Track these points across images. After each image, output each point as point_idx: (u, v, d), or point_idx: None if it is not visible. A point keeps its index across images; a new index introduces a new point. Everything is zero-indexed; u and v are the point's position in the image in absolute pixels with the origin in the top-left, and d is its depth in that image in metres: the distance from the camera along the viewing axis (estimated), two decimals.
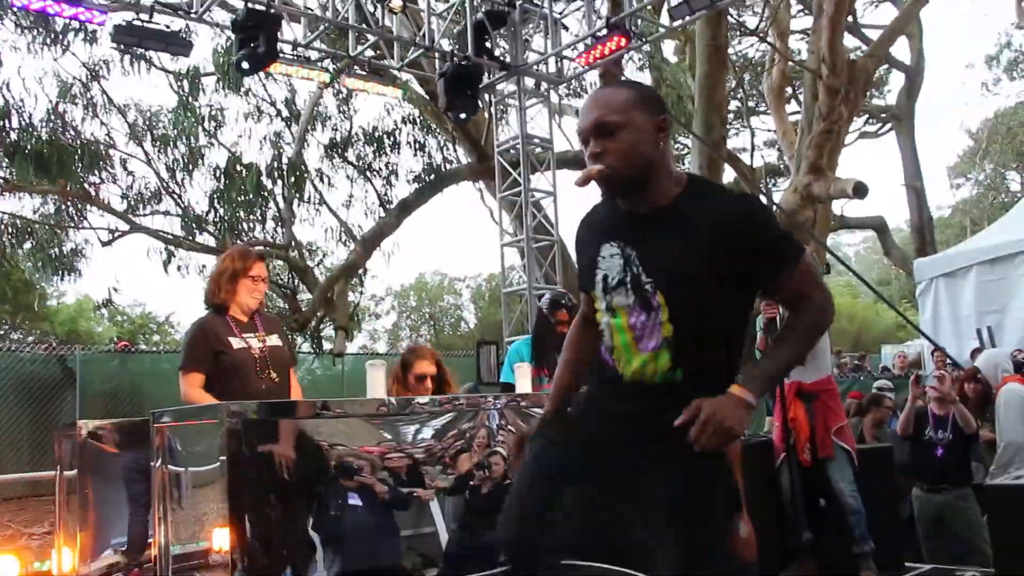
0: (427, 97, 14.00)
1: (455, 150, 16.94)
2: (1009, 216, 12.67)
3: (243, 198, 14.14)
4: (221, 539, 2.71)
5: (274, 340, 4.00)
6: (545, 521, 2.09)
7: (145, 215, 15.37)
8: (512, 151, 11.65)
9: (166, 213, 15.51)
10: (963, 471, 5.42)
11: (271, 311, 14.41)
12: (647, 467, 2.01)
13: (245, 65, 8.24)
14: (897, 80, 22.71)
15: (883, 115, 23.42)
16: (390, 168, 16.78)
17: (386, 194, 16.90)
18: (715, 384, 1.96)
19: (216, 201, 14.42)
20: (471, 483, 3.21)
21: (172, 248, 14.99)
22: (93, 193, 14.63)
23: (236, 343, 3.87)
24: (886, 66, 21.26)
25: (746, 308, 2.12)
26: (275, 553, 2.70)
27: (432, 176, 16.46)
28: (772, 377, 2.14)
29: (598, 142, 2.02)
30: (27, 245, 15.35)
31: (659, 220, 2.05)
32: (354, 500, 2.99)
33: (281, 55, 9.04)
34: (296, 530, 2.78)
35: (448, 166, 16.72)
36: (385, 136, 16.37)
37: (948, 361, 8.19)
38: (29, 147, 13.02)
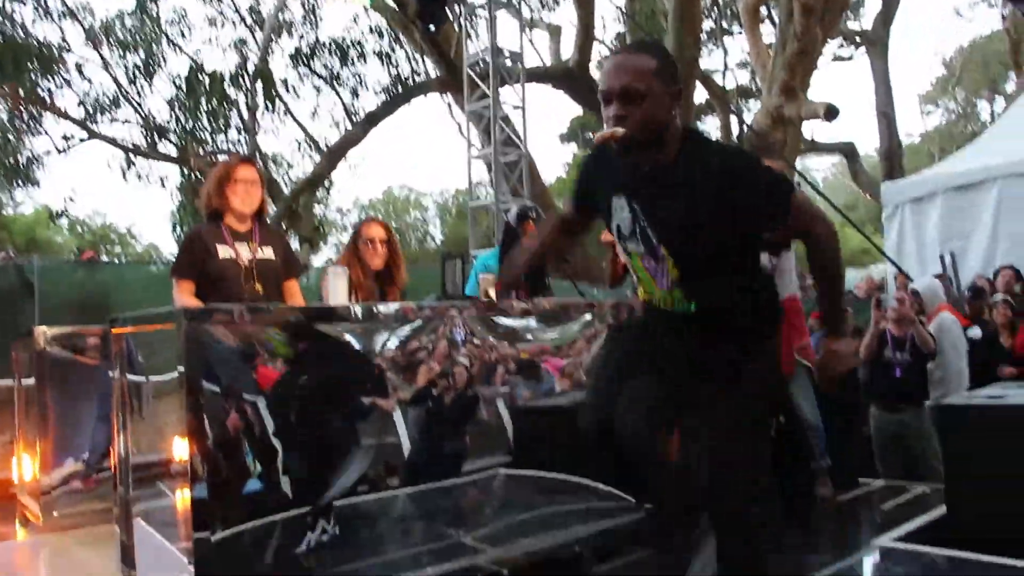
0: (395, 7, 13.65)
1: (423, 62, 16.63)
2: (977, 144, 12.71)
3: (206, 107, 13.82)
4: (181, 449, 2.68)
5: (267, 252, 3.95)
6: (614, 406, 2.35)
7: (103, 123, 15.00)
8: (481, 64, 11.46)
9: (125, 121, 15.13)
10: (920, 391, 5.53)
11: None
12: (688, 367, 2.35)
13: None
14: (873, 4, 22.56)
15: (857, 39, 23.26)
16: (357, 79, 16.46)
17: (353, 105, 16.65)
18: (729, 312, 2.31)
19: (178, 109, 14.08)
20: (433, 393, 3.20)
21: (132, 156, 14.67)
22: (48, 99, 14.20)
23: (223, 251, 3.82)
24: None
25: (751, 244, 2.38)
26: (236, 462, 2.68)
27: (400, 88, 16.16)
28: (839, 308, 2.42)
29: (621, 106, 2.18)
30: None
31: (661, 177, 2.25)
32: (316, 408, 2.97)
33: None
34: (257, 438, 2.76)
35: (416, 78, 16.43)
36: (352, 46, 16.00)
37: (908, 285, 8.28)
38: None
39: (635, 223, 2.30)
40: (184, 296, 3.75)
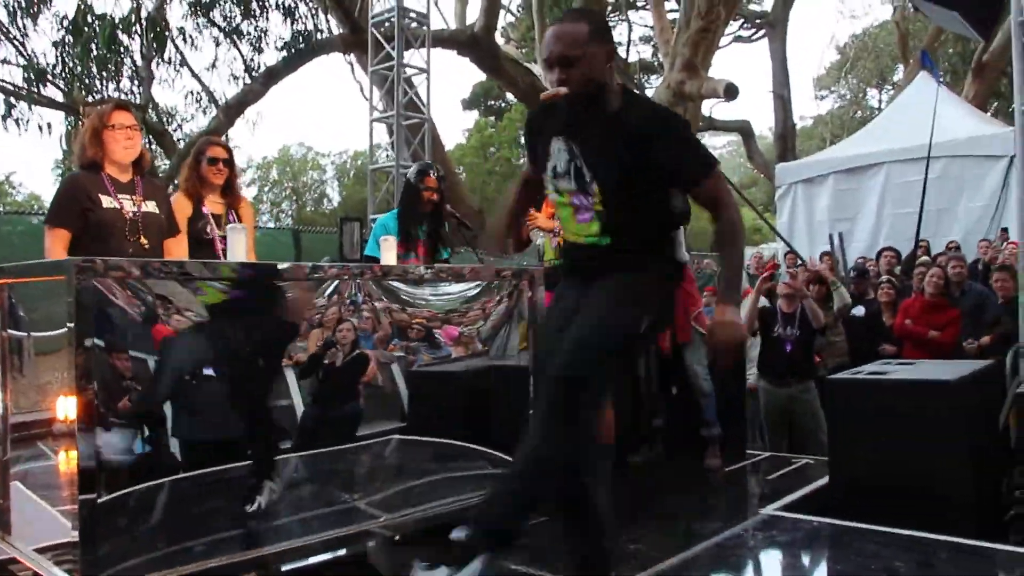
0: None
1: (327, 19, 16.22)
2: (867, 130, 13.20)
3: (96, 52, 13.15)
4: (66, 407, 2.57)
5: (151, 206, 3.74)
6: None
7: None
8: (387, 24, 11.26)
9: (4, 61, 14.28)
10: (808, 365, 5.73)
11: None
12: (585, 294, 2.55)
13: None
14: None
15: (758, 21, 23.77)
16: (258, 32, 15.94)
17: (252, 60, 16.11)
18: (633, 250, 2.54)
19: (64, 53, 13.37)
20: (327, 356, 3.14)
21: (12, 100, 13.88)
22: None
23: (107, 201, 3.59)
24: None
25: (666, 197, 2.58)
26: (123, 422, 2.59)
27: (302, 45, 15.73)
28: (734, 282, 2.66)
29: (561, 71, 2.43)
30: None
31: (601, 124, 2.49)
32: (207, 370, 2.89)
33: None
34: (146, 399, 2.66)
35: (319, 35, 16.00)
36: None
37: (799, 262, 8.56)
38: None
39: (571, 162, 2.54)
40: (58, 247, 3.50)
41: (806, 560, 3.51)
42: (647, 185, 2.50)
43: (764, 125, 33.79)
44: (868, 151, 11.15)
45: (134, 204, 3.66)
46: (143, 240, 3.63)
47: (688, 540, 3.52)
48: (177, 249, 3.86)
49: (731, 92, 13.64)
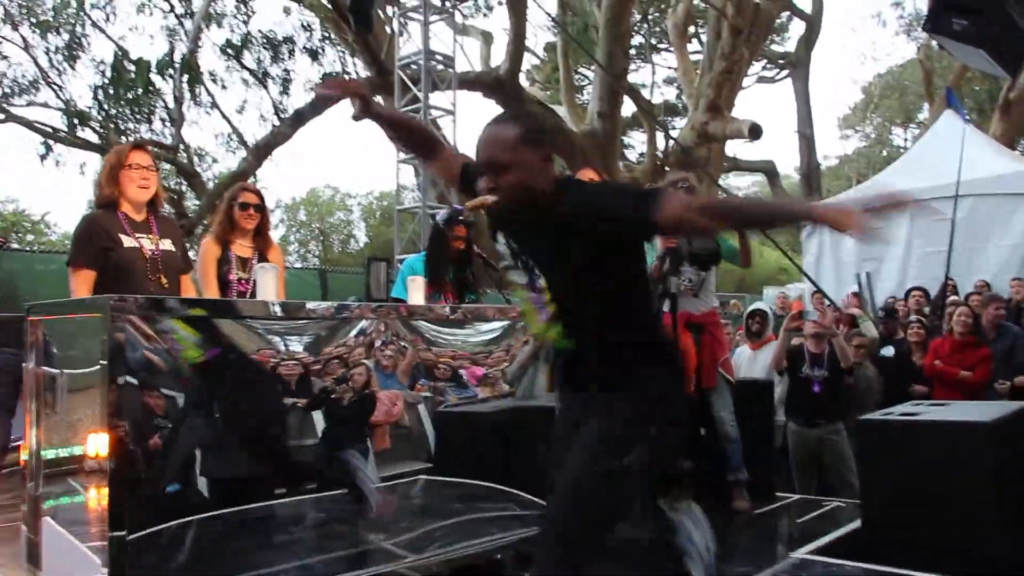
0: (328, 4, 13.51)
1: (354, 62, 16.48)
2: (892, 169, 13.14)
3: (131, 94, 13.43)
4: (98, 445, 2.59)
5: (167, 244, 3.82)
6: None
7: (21, 105, 14.47)
8: (413, 66, 11.41)
9: (45, 104, 14.62)
10: (837, 406, 5.65)
11: None
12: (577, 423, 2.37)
13: None
14: (797, 28, 23.14)
15: (781, 61, 23.86)
16: (287, 75, 16.22)
17: (281, 102, 16.38)
18: (608, 350, 2.33)
19: (101, 95, 13.66)
20: (332, 395, 3.14)
21: (50, 142, 14.17)
22: None
23: (127, 241, 3.66)
24: (787, 13, 21.59)
25: (631, 273, 2.37)
26: (153, 460, 2.60)
27: None
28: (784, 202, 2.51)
29: (491, 178, 2.26)
30: None
31: (537, 222, 2.31)
32: (238, 407, 2.91)
33: None
34: (177, 437, 2.68)
35: (347, 77, 16.24)
36: (283, 42, 15.78)
37: (827, 303, 8.50)
38: None
39: (516, 257, 2.38)
40: (83, 288, 3.56)
41: None
42: (598, 277, 2.28)
43: (789, 165, 33.75)
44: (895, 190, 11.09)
45: (152, 243, 3.73)
46: (163, 279, 3.70)
47: None
48: (188, 284, 3.95)
49: (755, 132, 13.69)
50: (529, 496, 3.69)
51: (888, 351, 6.55)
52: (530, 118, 2.51)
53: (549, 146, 2.36)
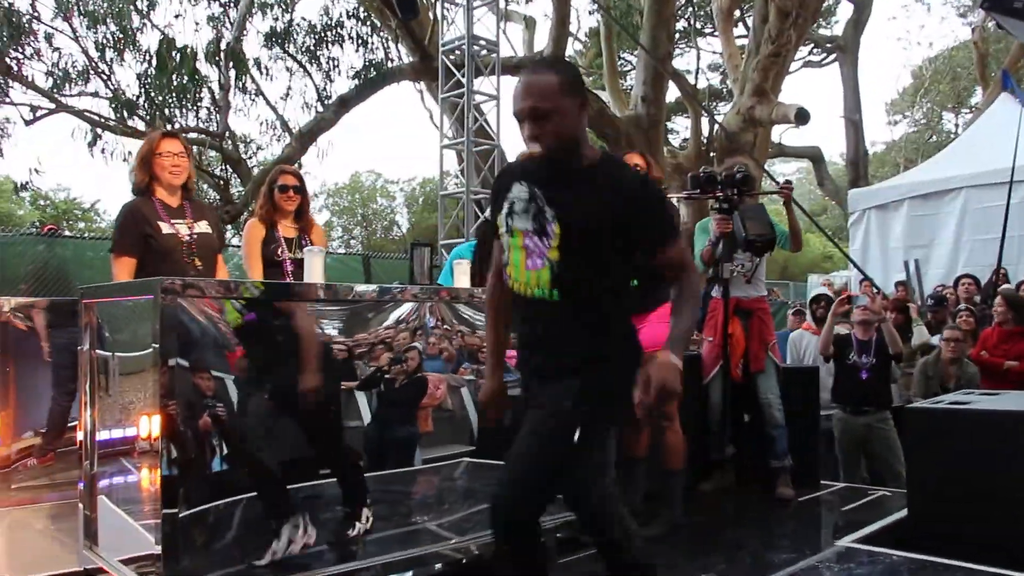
0: None
1: (398, 48, 16.52)
2: (943, 154, 12.90)
3: (177, 83, 13.62)
4: (150, 426, 2.64)
5: (202, 227, 3.94)
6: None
7: (72, 95, 14.73)
8: (457, 52, 11.42)
9: (94, 94, 14.89)
10: (884, 394, 5.60)
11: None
12: (542, 379, 2.41)
13: None
14: (845, 11, 22.75)
15: (829, 45, 23.47)
16: (331, 63, 16.32)
17: (325, 89, 16.50)
18: (584, 310, 2.34)
19: (148, 85, 13.86)
20: (386, 376, 3.17)
21: (99, 131, 14.42)
22: (15, 68, 13.91)
23: (165, 228, 3.80)
24: None
25: (623, 262, 2.39)
26: (204, 441, 2.65)
27: (373, 73, 16.03)
28: (684, 339, 2.38)
29: (533, 125, 2.27)
30: None
31: (572, 176, 2.35)
32: (285, 388, 2.94)
33: None
34: (226, 417, 2.72)
35: (390, 64, 16.30)
36: (327, 29, 15.86)
37: (874, 291, 8.39)
38: None
39: (531, 200, 2.35)
40: (124, 274, 3.69)
41: None
42: (609, 245, 2.33)
43: (835, 151, 33.32)
44: (946, 176, 10.88)
45: (187, 227, 3.86)
46: (197, 262, 3.82)
47: (761, 571, 3.45)
48: (221, 264, 4.08)
49: (802, 117, 13.50)
50: None
51: (937, 340, 6.44)
52: (567, 66, 2.53)
53: (584, 94, 2.38)
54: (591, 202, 2.29)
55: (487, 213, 4.89)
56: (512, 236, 2.39)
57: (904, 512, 4.10)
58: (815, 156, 21.75)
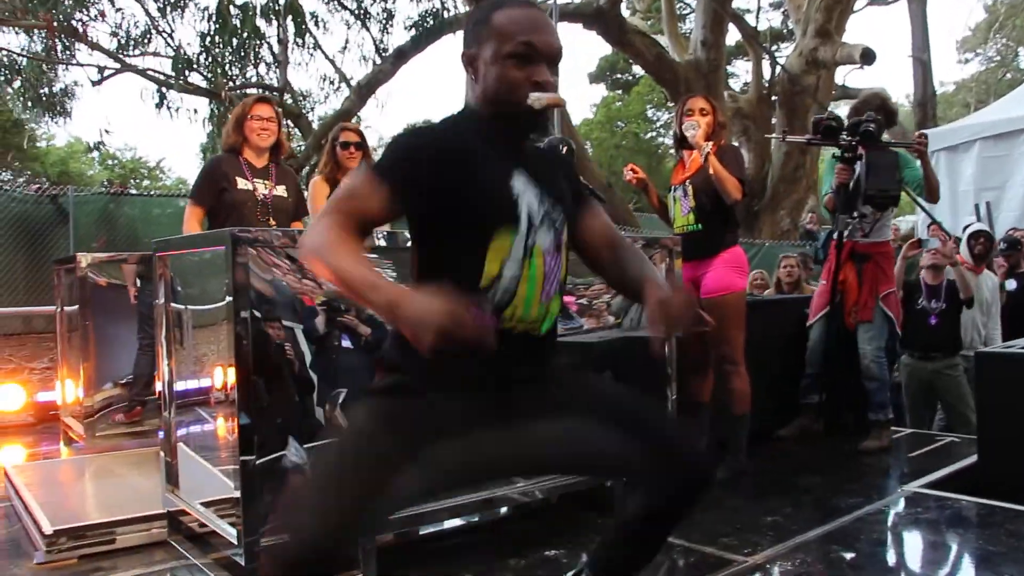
0: None
1: None
2: (1017, 92, 12.44)
3: (236, 40, 13.76)
4: (224, 376, 2.73)
5: (281, 191, 4.16)
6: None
7: (135, 55, 14.99)
8: None
9: (156, 54, 15.13)
10: (954, 339, 5.50)
11: None
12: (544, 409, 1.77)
13: None
14: None
15: None
16: (387, 13, 16.29)
17: (382, 41, 16.49)
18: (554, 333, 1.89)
19: (208, 42, 14.03)
20: None
21: (164, 89, 14.67)
22: (81, 30, 14.17)
23: (242, 183, 4.04)
24: None
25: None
26: (276, 391, 2.73)
27: (430, 23, 15.97)
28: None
29: (552, 72, 1.76)
30: (16, 84, 15.00)
31: (535, 154, 1.89)
32: (344, 341, 3.01)
33: None
34: (296, 368, 2.80)
35: (447, 14, 16.20)
36: None
37: (945, 235, 8.19)
38: None
39: (542, 204, 1.77)
40: (193, 221, 4.02)
41: (952, 539, 3.37)
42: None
43: (901, 93, 32.33)
44: (1020, 114, 10.52)
45: (266, 187, 4.09)
46: (272, 221, 4.04)
47: (827, 515, 3.46)
48: (300, 228, 4.17)
49: (868, 57, 13.11)
50: None
51: (1011, 285, 6.30)
52: None
53: None
54: (565, 187, 1.88)
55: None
56: (531, 258, 1.73)
57: (974, 458, 4.06)
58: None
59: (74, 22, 13.96)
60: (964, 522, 3.43)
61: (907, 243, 5.90)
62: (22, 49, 14.80)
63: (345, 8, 16.22)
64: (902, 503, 3.66)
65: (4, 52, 14.50)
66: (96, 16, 14.34)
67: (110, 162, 28.53)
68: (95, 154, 21.72)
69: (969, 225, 7.59)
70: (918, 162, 4.64)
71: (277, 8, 14.25)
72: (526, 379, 1.76)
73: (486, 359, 1.51)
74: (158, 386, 3.35)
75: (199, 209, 4.05)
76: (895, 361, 5.40)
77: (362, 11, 16.20)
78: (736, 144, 14.84)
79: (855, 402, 4.86)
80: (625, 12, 16.13)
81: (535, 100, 1.70)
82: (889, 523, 3.48)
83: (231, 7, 13.61)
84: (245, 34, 13.65)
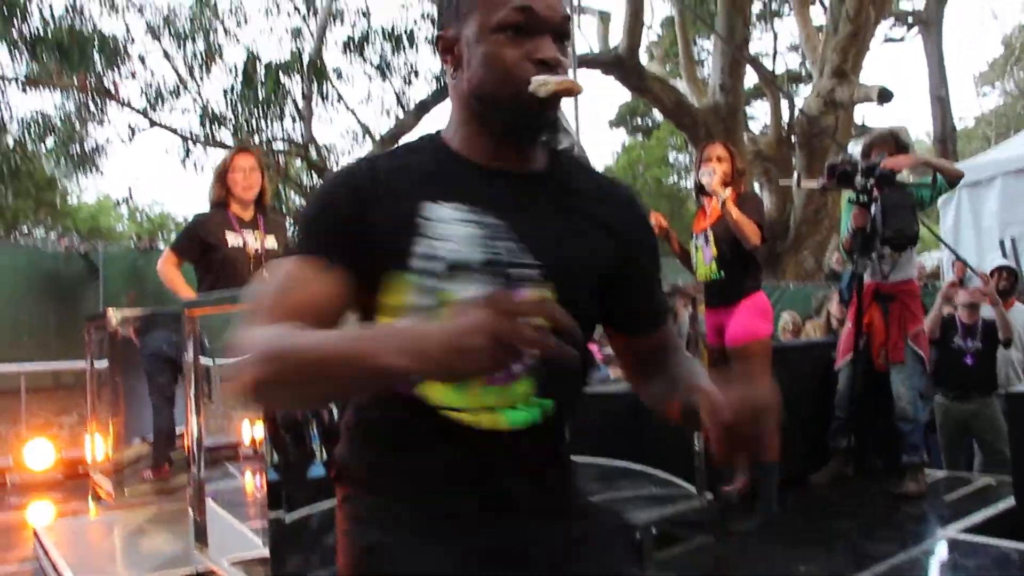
0: None
1: None
2: None
3: (261, 95, 14.07)
4: (252, 432, 2.75)
5: (271, 242, 4.18)
6: None
7: (164, 112, 15.37)
8: None
9: (184, 110, 15.50)
10: (991, 379, 5.39)
11: (291, 210, 14.51)
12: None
13: None
14: None
15: (910, 19, 22.78)
16: (409, 67, 16.58)
17: (404, 94, 16.75)
18: (566, 430, 1.40)
19: (234, 98, 14.34)
20: None
21: (190, 145, 14.99)
22: (112, 89, 14.57)
23: (232, 239, 4.07)
24: None
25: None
26: (304, 445, 2.73)
27: None
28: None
29: (560, 47, 1.28)
30: (49, 142, 15.38)
31: (537, 184, 1.33)
32: None
33: None
34: (324, 422, 2.80)
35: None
36: (404, 34, 16.12)
37: (967, 272, 8.11)
38: (50, 37, 13.16)
39: (488, 245, 1.24)
40: (168, 265, 4.14)
41: None
42: (602, 294, 1.37)
43: (921, 128, 32.29)
44: None
45: (256, 240, 4.11)
46: (265, 274, 3.99)
47: (863, 562, 3.39)
48: None
49: (884, 97, 13.14)
50: (664, 475, 3.70)
51: None
52: None
53: None
54: (574, 229, 1.34)
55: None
56: (435, 310, 1.22)
57: (1011, 500, 3.98)
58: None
59: (106, 82, 14.35)
60: (1006, 568, 3.35)
61: (947, 282, 5.82)
62: (56, 108, 15.23)
63: (367, 62, 16.52)
64: (941, 549, 3.59)
65: (39, 111, 14.92)
66: (125, 75, 14.74)
67: (138, 217, 28.96)
68: (123, 209, 22.09)
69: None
70: (927, 178, 4.64)
71: (300, 64, 14.56)
72: (521, 506, 1.30)
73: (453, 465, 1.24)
74: (186, 442, 3.36)
75: (174, 255, 4.17)
76: (928, 402, 5.33)
77: (385, 64, 16.47)
78: (758, 185, 14.87)
79: (885, 444, 4.79)
80: (643, 57, 16.28)
81: (539, 85, 1.23)
82: (928, 570, 3.41)
83: (256, 64, 13.92)
84: (269, 90, 13.95)
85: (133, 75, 14.88)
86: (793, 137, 15.60)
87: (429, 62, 16.87)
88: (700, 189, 4.23)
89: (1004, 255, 9.81)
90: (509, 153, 1.31)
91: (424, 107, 15.55)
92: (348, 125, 16.55)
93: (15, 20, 13.11)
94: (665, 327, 1.47)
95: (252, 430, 2.73)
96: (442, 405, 1.24)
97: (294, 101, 15.20)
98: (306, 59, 14.71)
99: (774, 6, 23.12)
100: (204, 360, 3.27)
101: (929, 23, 20.51)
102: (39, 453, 6.15)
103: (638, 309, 1.43)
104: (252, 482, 2.85)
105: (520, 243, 1.26)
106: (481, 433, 1.25)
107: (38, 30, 13.37)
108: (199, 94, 15.16)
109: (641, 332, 1.44)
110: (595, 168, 1.64)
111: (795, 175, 13.86)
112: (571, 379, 1.33)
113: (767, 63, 22.36)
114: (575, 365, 1.01)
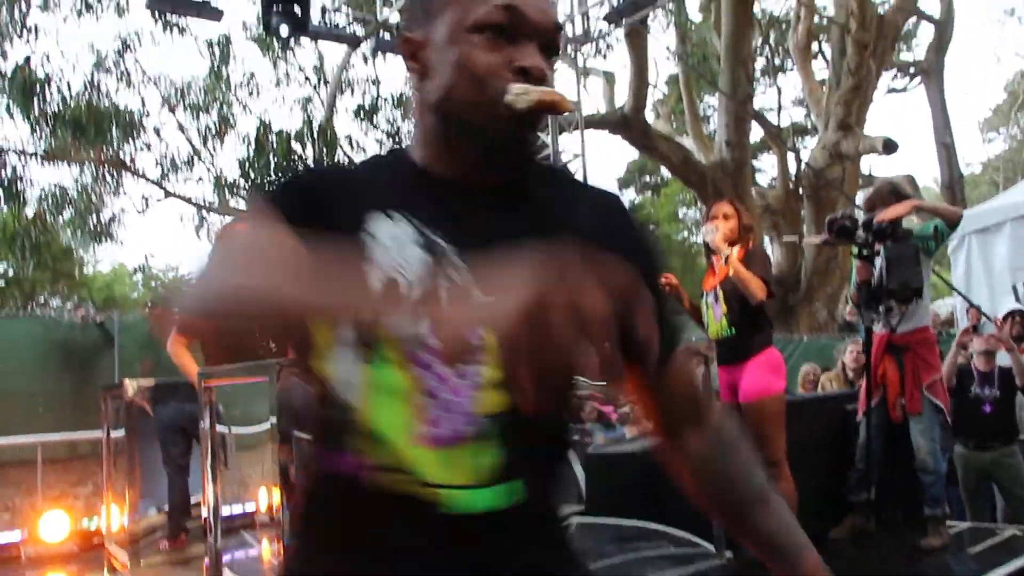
0: None
1: None
2: None
3: (274, 163, 14.33)
4: (269, 499, 2.75)
5: None
6: None
7: (178, 182, 15.68)
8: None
9: (199, 180, 15.82)
10: (1010, 427, 5.33)
11: None
12: None
13: (283, 30, 8.24)
14: (926, 33, 22.32)
15: (911, 69, 23.04)
16: None
17: None
18: (553, 507, 1.18)
19: (246, 167, 14.61)
20: None
21: (204, 214, 15.25)
22: (128, 162, 14.89)
23: None
24: (915, 19, 20.87)
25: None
26: None
27: None
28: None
29: (547, 60, 1.08)
30: (66, 214, 15.67)
31: (508, 200, 1.11)
32: None
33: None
34: None
35: None
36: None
37: (982, 319, 8.08)
38: (68, 114, 13.56)
39: (437, 270, 1.02)
40: (177, 346, 4.11)
41: None
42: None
43: (928, 176, 32.38)
44: None
45: None
46: (271, 344, 4.04)
47: None
48: None
49: (889, 147, 13.26)
50: (683, 534, 3.68)
51: None
52: None
53: None
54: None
55: None
56: (382, 364, 1.00)
57: None
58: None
59: (121, 154, 14.67)
60: None
61: (962, 329, 5.80)
62: (74, 181, 15.57)
63: (377, 128, 16.81)
64: None
65: (57, 184, 15.23)
66: (141, 147, 15.08)
67: (153, 283, 29.21)
68: (138, 276, 22.37)
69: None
70: (928, 226, 4.65)
71: (311, 134, 14.86)
72: None
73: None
74: (203, 512, 3.36)
75: (183, 336, 4.11)
76: (947, 452, 5.28)
77: (395, 130, 16.75)
78: (768, 239, 14.93)
79: (903, 496, 4.73)
80: (649, 116, 16.49)
81: (518, 95, 1.03)
82: None
83: (267, 133, 14.20)
84: (281, 159, 14.22)
85: (148, 146, 15.24)
86: (801, 190, 15.71)
87: None
88: (708, 247, 4.27)
89: (1017, 299, 9.77)
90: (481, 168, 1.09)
91: None
92: None
93: (36, 98, 13.45)
94: (691, 381, 1.23)
95: (269, 497, 2.73)
96: (397, 476, 0.98)
97: (306, 166, 15.49)
98: (316, 127, 14.99)
99: (777, 61, 23.45)
100: (219, 428, 3.30)
101: (930, 72, 20.72)
102: (54, 525, 6.14)
103: (642, 333, 0.91)
104: (269, 550, 2.84)
105: (474, 271, 0.99)
106: (442, 516, 0.98)
107: (58, 107, 13.80)
108: (212, 163, 15.47)
109: (653, 361, 0.91)
110: (583, 180, 1.45)
111: (800, 232, 13.99)
112: (544, 450, 1.08)
113: (772, 117, 22.63)
114: (549, 425, 0.86)
